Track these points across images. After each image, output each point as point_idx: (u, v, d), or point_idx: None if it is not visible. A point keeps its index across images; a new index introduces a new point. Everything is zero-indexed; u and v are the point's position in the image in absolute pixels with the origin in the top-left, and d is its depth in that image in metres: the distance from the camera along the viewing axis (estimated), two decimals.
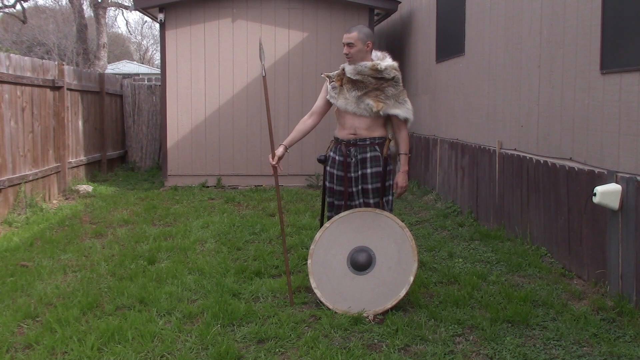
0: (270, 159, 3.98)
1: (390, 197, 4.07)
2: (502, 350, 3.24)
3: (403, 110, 3.96)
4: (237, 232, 5.91)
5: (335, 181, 4.10)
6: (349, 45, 3.94)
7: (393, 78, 3.95)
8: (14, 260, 4.91)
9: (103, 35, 16.13)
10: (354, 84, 3.97)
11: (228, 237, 5.73)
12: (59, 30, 27.30)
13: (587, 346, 3.30)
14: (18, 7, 20.19)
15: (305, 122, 4.19)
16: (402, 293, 3.75)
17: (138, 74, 15.24)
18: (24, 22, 20.86)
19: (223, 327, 3.52)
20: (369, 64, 3.94)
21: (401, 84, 4.01)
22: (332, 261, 3.92)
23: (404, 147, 4.02)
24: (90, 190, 8.26)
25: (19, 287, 4.22)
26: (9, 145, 6.44)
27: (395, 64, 4.01)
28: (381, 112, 3.92)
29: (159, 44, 15.96)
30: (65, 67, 8.20)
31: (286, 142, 4.07)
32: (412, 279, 3.78)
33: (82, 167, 9.21)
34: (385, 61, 3.99)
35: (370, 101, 3.92)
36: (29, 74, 7.01)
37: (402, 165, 4.01)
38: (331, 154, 4.15)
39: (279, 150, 4.00)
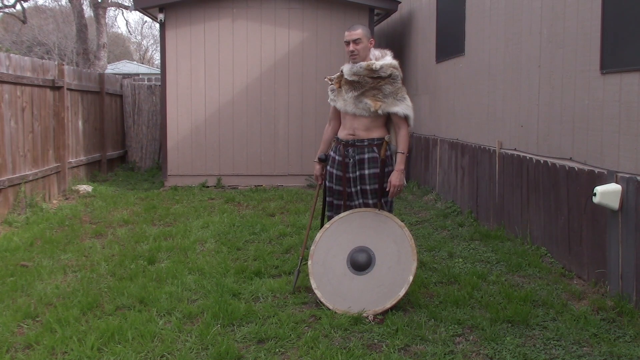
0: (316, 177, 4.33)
1: (389, 198, 4.07)
2: (502, 350, 3.24)
3: (402, 107, 3.94)
4: (237, 232, 5.91)
5: (334, 180, 4.11)
6: (356, 42, 3.93)
7: (390, 75, 3.93)
8: (14, 260, 4.91)
9: (103, 35, 16.13)
10: (351, 84, 3.97)
11: (228, 237, 5.73)
12: (59, 30, 27.31)
13: (587, 346, 3.30)
14: (18, 7, 20.21)
15: (327, 131, 4.34)
16: (402, 292, 3.75)
17: (138, 74, 15.26)
18: (24, 22, 20.87)
19: (223, 327, 3.52)
20: (364, 64, 3.93)
21: (399, 81, 3.99)
22: (332, 262, 3.92)
23: (401, 146, 3.98)
24: (90, 190, 8.26)
25: (19, 287, 4.22)
26: (9, 145, 6.44)
27: (394, 62, 3.99)
28: (380, 111, 3.91)
29: (159, 44, 15.96)
30: (65, 67, 8.20)
31: (317, 156, 4.30)
32: (411, 278, 3.79)
33: (82, 167, 9.20)
34: (382, 60, 3.98)
35: (368, 101, 3.91)
36: (29, 74, 7.01)
37: (398, 164, 3.95)
38: (331, 153, 4.16)
39: (316, 168, 4.27)
